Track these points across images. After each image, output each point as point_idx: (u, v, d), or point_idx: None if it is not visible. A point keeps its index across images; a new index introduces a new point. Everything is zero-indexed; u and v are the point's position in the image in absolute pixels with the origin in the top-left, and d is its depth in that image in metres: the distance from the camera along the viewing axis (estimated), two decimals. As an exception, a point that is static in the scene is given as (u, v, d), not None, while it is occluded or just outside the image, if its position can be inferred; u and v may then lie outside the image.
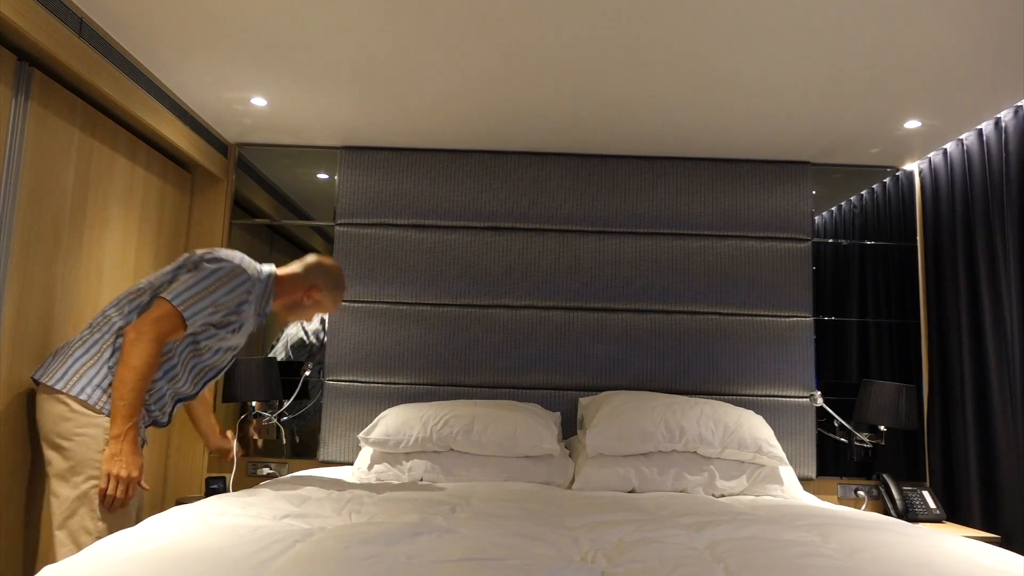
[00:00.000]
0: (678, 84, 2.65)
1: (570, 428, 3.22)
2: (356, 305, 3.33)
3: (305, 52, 2.50)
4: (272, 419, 3.22)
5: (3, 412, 2.07)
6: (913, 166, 3.43)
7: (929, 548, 1.66)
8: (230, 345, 2.21)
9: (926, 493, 2.99)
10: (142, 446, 2.11)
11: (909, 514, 2.91)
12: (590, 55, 2.46)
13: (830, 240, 3.42)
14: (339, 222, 3.38)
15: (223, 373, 2.39)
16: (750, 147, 3.27)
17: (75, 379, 1.92)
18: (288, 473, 3.20)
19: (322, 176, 3.45)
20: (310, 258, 2.34)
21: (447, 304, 3.33)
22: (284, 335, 3.39)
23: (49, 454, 1.94)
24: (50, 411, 1.92)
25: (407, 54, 2.49)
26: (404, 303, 3.33)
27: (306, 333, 3.35)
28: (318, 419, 3.28)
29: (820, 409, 3.26)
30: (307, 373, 3.30)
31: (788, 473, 2.86)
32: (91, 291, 2.53)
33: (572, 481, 2.78)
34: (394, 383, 3.28)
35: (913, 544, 1.70)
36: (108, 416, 1.94)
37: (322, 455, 3.25)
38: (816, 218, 3.42)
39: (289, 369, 3.29)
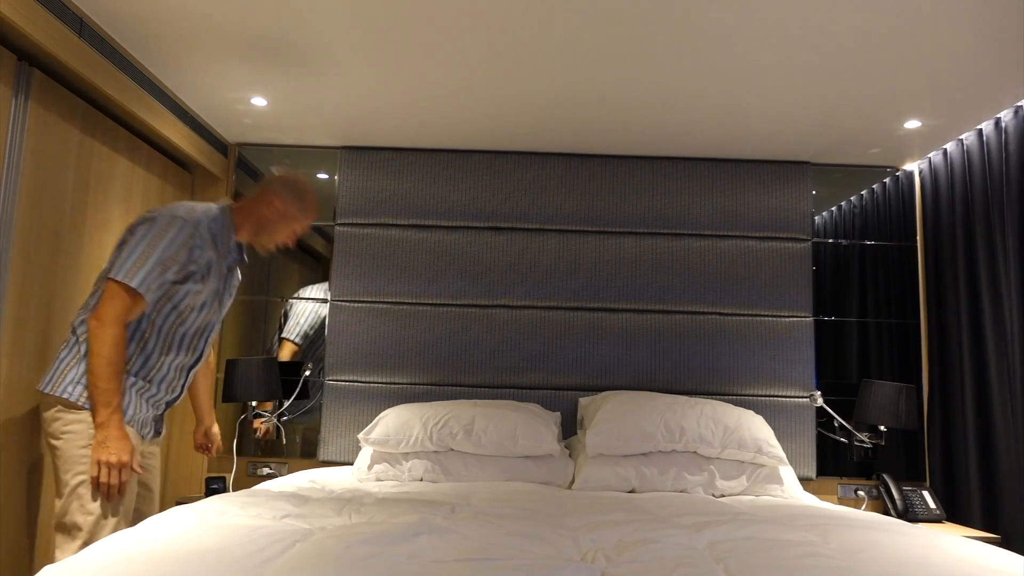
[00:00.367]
0: (678, 84, 2.65)
1: (570, 428, 3.22)
2: (356, 305, 3.33)
3: (305, 52, 2.50)
4: (272, 419, 3.22)
5: (2, 413, 2.07)
6: (913, 166, 3.43)
7: (929, 548, 1.66)
8: (208, 296, 2.08)
9: (926, 493, 2.99)
10: (159, 435, 2.14)
11: (909, 514, 2.91)
12: (590, 55, 2.46)
13: (830, 240, 3.42)
14: (339, 222, 3.38)
15: (220, 328, 2.32)
16: (750, 147, 3.27)
17: (59, 380, 1.90)
18: (288, 473, 3.20)
19: (322, 176, 3.45)
20: (266, 176, 2.27)
21: (447, 304, 3.33)
22: (294, 313, 3.37)
23: (48, 457, 1.96)
24: (44, 415, 1.92)
25: (407, 54, 2.49)
26: (404, 303, 3.33)
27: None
28: (318, 418, 3.27)
29: (820, 409, 3.26)
30: (307, 373, 3.30)
31: (788, 473, 2.86)
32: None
33: (572, 481, 2.78)
34: (394, 383, 3.28)
35: (913, 544, 1.70)
36: (90, 411, 1.91)
37: (322, 455, 3.25)
38: (816, 218, 3.42)
39: (289, 369, 3.29)
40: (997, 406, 2.79)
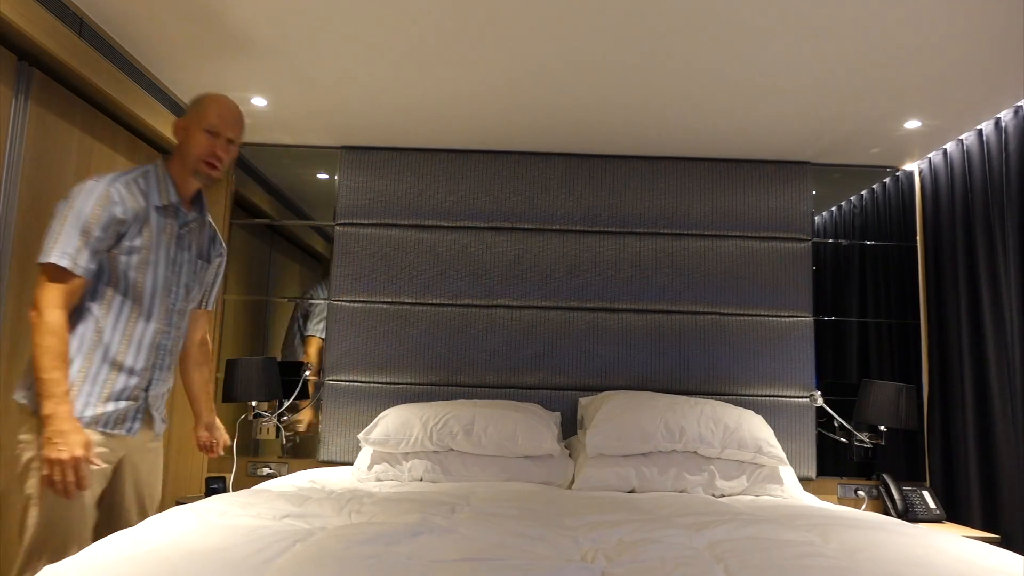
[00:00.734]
0: (678, 84, 2.65)
1: (570, 428, 3.22)
2: (356, 305, 3.33)
3: (305, 52, 2.51)
4: (272, 419, 3.22)
5: (2, 415, 2.07)
6: (913, 166, 3.43)
7: (929, 548, 1.66)
8: (160, 255, 1.88)
9: (926, 493, 2.99)
10: (152, 429, 1.95)
11: (909, 514, 2.91)
12: (591, 56, 2.46)
13: (830, 240, 3.42)
14: (339, 222, 3.38)
15: (203, 303, 2.14)
16: (750, 147, 3.27)
17: (20, 388, 1.79)
18: (288, 473, 3.20)
19: (322, 176, 3.45)
20: None
21: (447, 304, 3.33)
22: (317, 311, 3.37)
23: None
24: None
25: (407, 54, 2.49)
26: (404, 303, 3.33)
27: None
28: (318, 419, 3.28)
29: (820, 409, 3.26)
30: (307, 373, 3.30)
31: (788, 473, 2.86)
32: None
33: (572, 481, 2.78)
34: (394, 383, 3.28)
35: (913, 544, 1.70)
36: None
37: (322, 455, 3.25)
38: (816, 218, 3.42)
39: (289, 369, 3.29)
40: (997, 406, 2.79)
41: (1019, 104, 2.74)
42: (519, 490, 2.51)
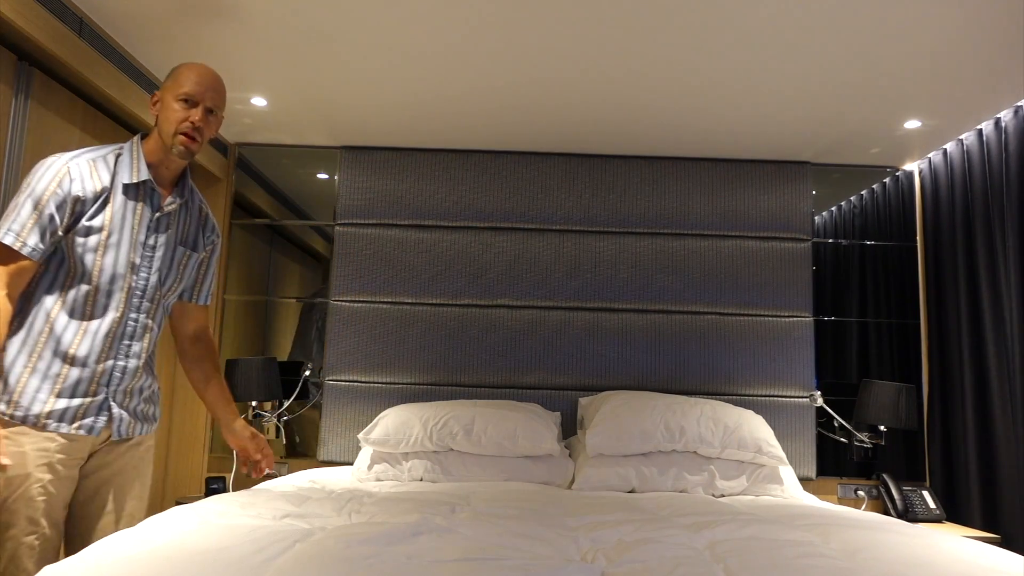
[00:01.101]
0: (678, 84, 2.65)
1: (570, 428, 3.22)
2: (356, 305, 3.33)
3: (305, 52, 2.50)
4: (272, 419, 3.22)
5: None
6: (913, 166, 3.43)
7: (929, 548, 1.66)
8: (123, 238, 1.71)
9: (926, 493, 2.99)
10: (138, 427, 1.79)
11: (909, 514, 2.91)
12: (591, 56, 2.46)
13: (830, 240, 3.42)
14: (339, 222, 3.38)
15: (185, 294, 1.93)
16: (750, 147, 3.27)
17: None
18: (288, 473, 3.20)
19: (322, 176, 3.45)
20: None
21: (447, 304, 3.33)
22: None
23: None
24: None
25: (407, 54, 2.49)
26: (404, 303, 3.33)
27: None
28: (318, 418, 3.28)
29: (820, 409, 3.26)
30: (307, 373, 3.30)
31: (788, 473, 2.86)
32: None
33: (572, 481, 2.78)
34: (394, 383, 3.28)
35: (913, 544, 1.70)
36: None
37: (322, 455, 3.25)
38: (816, 218, 3.42)
39: (289, 369, 3.29)
40: (997, 406, 2.79)
41: (1019, 104, 2.74)
42: (519, 490, 2.51)
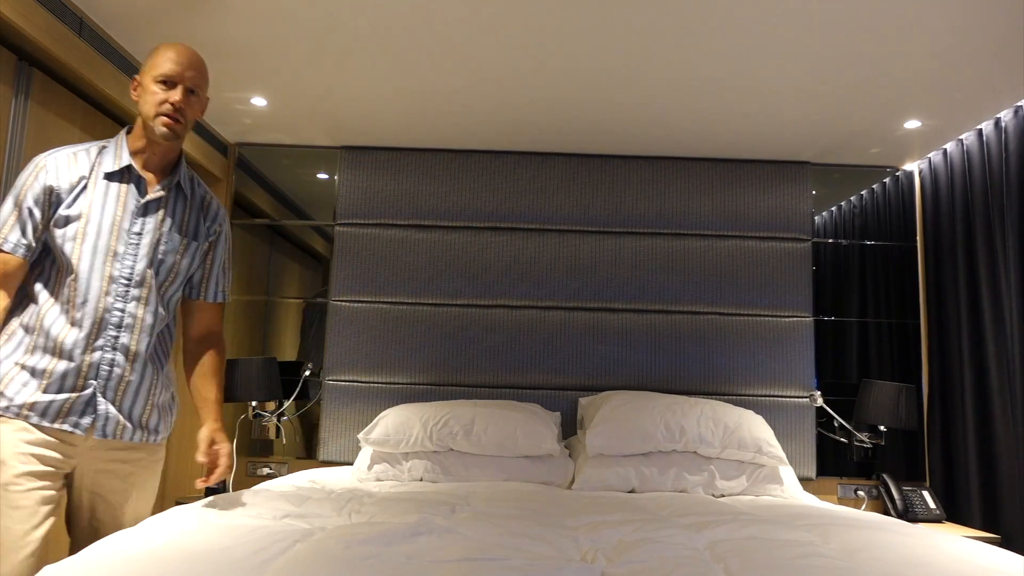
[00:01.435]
0: (678, 84, 2.65)
1: (570, 428, 3.22)
2: (356, 305, 3.33)
3: (305, 52, 2.50)
4: (272, 419, 3.22)
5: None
6: (913, 166, 3.43)
7: (929, 548, 1.66)
8: (102, 228, 1.66)
9: (926, 493, 2.99)
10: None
11: (909, 514, 2.91)
12: (591, 56, 2.46)
13: (830, 240, 3.42)
14: (339, 222, 3.38)
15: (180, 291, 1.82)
16: (750, 147, 3.27)
17: None
18: (288, 473, 3.20)
19: (322, 176, 3.45)
20: None
21: (447, 304, 3.33)
22: None
23: None
24: None
25: (407, 54, 2.49)
26: (404, 303, 3.33)
27: None
28: (317, 418, 3.27)
29: (820, 409, 3.26)
30: (307, 373, 3.30)
31: (788, 473, 2.86)
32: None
33: (572, 481, 2.78)
34: (394, 383, 3.28)
35: (913, 544, 1.70)
36: None
37: (322, 455, 3.25)
38: (816, 218, 3.42)
39: (289, 369, 3.29)
40: (997, 406, 2.79)
41: (1019, 104, 2.74)
42: (519, 490, 2.51)
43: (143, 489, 1.78)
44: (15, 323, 1.65)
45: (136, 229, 1.71)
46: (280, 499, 2.06)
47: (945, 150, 3.20)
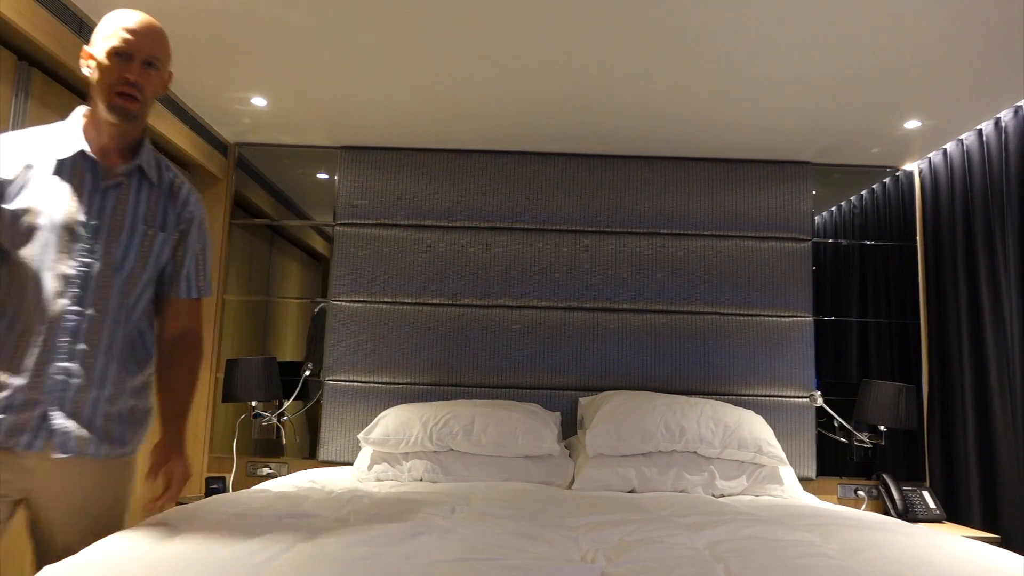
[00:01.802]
0: (678, 84, 2.65)
1: (570, 428, 3.22)
2: (356, 305, 3.33)
3: (305, 52, 2.50)
4: (272, 419, 3.22)
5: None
6: (913, 166, 3.43)
7: (929, 548, 1.66)
8: (54, 220, 1.47)
9: (926, 493, 2.99)
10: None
11: (909, 514, 2.91)
12: (591, 56, 2.46)
13: (830, 240, 3.42)
14: (339, 222, 3.38)
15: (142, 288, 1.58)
16: (750, 147, 3.27)
17: None
18: (288, 473, 3.20)
19: (322, 176, 3.45)
20: None
21: (446, 304, 3.33)
22: None
23: None
24: None
25: (407, 54, 2.49)
26: (404, 303, 3.33)
27: None
28: (317, 418, 3.27)
29: (820, 409, 3.26)
30: (307, 373, 3.30)
31: (788, 473, 2.86)
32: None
33: (572, 481, 2.78)
34: (394, 383, 3.28)
35: (913, 544, 1.70)
36: None
37: (322, 455, 3.24)
38: (816, 218, 3.42)
39: (289, 369, 3.29)
40: (997, 406, 2.79)
41: (1019, 104, 2.74)
42: (519, 490, 2.51)
43: (113, 505, 1.59)
44: None
45: (93, 221, 1.50)
46: (280, 499, 2.06)
47: (945, 150, 3.20)
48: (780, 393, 3.28)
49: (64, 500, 1.52)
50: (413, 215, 3.39)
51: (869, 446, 3.12)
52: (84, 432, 1.49)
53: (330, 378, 3.28)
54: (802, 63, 2.46)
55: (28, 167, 1.49)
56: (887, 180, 3.45)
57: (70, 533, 1.53)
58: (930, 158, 3.31)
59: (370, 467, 2.81)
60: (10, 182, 1.46)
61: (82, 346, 1.48)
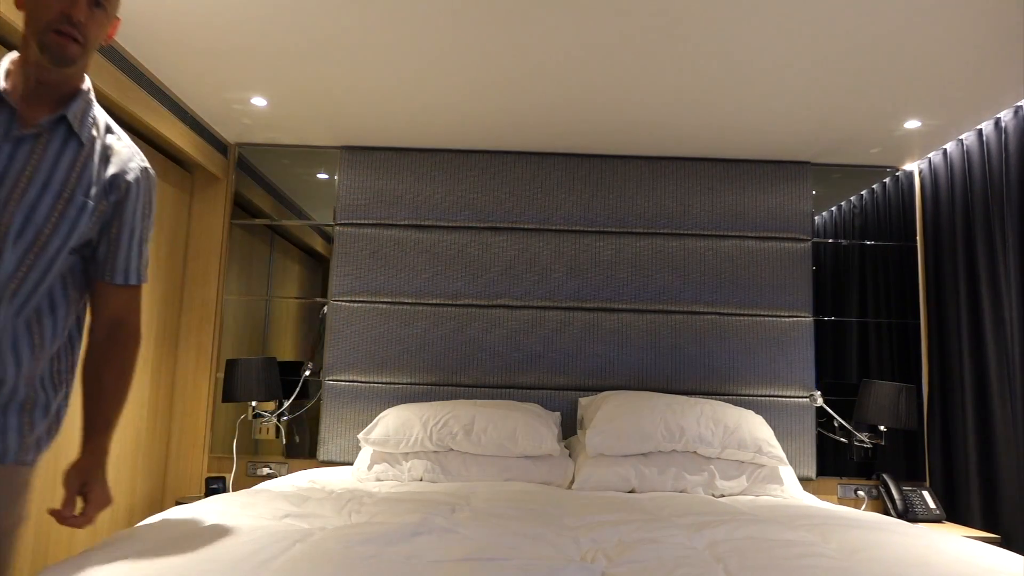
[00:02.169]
0: (678, 84, 2.65)
1: (570, 428, 3.22)
2: (356, 305, 3.33)
3: (305, 52, 2.50)
4: (272, 419, 3.22)
5: None
6: (913, 166, 3.43)
7: (929, 548, 1.66)
8: None
9: (926, 493, 2.99)
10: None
11: (909, 514, 2.91)
12: (591, 56, 2.46)
13: (830, 240, 3.42)
14: (339, 222, 3.38)
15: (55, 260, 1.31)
16: (750, 147, 3.27)
17: None
18: (288, 473, 3.20)
19: (322, 176, 3.46)
20: None
21: (447, 304, 3.33)
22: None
23: None
24: None
25: (407, 55, 2.49)
26: (404, 303, 3.34)
27: None
28: (317, 418, 3.27)
29: (820, 409, 3.26)
30: (307, 373, 3.30)
31: (788, 473, 2.86)
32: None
33: (572, 481, 2.78)
34: (394, 383, 3.28)
35: (913, 544, 1.70)
36: None
37: (322, 455, 3.25)
38: (816, 218, 3.42)
39: (289, 369, 3.29)
40: (997, 406, 2.79)
41: (1019, 104, 2.74)
42: (519, 490, 2.51)
43: (11, 521, 1.29)
44: None
45: (14, 172, 1.25)
46: (280, 499, 2.06)
47: (945, 150, 3.20)
48: (780, 393, 3.28)
49: None
50: (413, 215, 3.39)
51: (869, 446, 3.12)
52: None
53: (330, 378, 3.28)
54: (802, 63, 2.46)
55: None
56: (887, 180, 3.45)
57: None
58: (930, 158, 3.31)
59: (370, 467, 2.81)
60: None
61: None
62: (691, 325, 3.32)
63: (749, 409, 3.06)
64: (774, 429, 3.19)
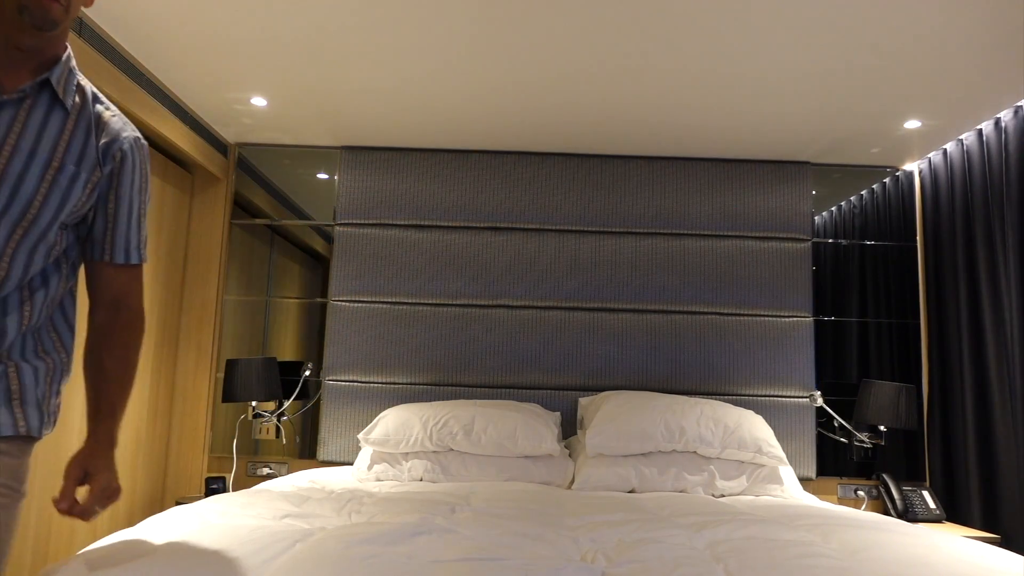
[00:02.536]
0: (678, 84, 2.65)
1: (570, 428, 3.22)
2: (356, 305, 3.33)
3: (305, 52, 2.50)
4: (272, 419, 3.22)
5: None
6: (913, 166, 3.43)
7: (929, 548, 1.66)
8: None
9: (926, 493, 2.99)
10: None
11: (909, 514, 2.91)
12: (591, 56, 2.46)
13: (830, 240, 3.42)
14: (339, 222, 3.38)
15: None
16: (750, 147, 3.27)
17: None
18: (288, 473, 3.20)
19: (322, 176, 3.46)
20: None
21: (446, 304, 3.33)
22: None
23: None
24: None
25: (407, 55, 2.49)
26: (404, 303, 3.34)
27: None
28: (316, 417, 3.27)
29: (820, 409, 3.26)
30: (307, 373, 3.30)
31: (788, 473, 2.86)
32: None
33: (572, 481, 2.78)
34: (394, 383, 3.28)
35: (913, 544, 1.70)
36: None
37: (322, 455, 3.25)
38: (816, 218, 3.42)
39: (289, 369, 3.29)
40: (997, 406, 2.79)
41: (1019, 104, 2.74)
42: (519, 490, 2.51)
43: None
44: None
45: None
46: (280, 499, 2.06)
47: (945, 150, 3.20)
48: (780, 393, 3.28)
49: None
50: (413, 215, 3.39)
51: (869, 446, 3.12)
52: None
53: (330, 378, 3.28)
54: (802, 64, 2.47)
55: None
56: (887, 180, 3.45)
57: None
58: (930, 158, 3.31)
59: (370, 467, 2.81)
60: None
61: None
62: (691, 325, 3.32)
63: (749, 409, 3.06)
64: (774, 429, 3.19)
